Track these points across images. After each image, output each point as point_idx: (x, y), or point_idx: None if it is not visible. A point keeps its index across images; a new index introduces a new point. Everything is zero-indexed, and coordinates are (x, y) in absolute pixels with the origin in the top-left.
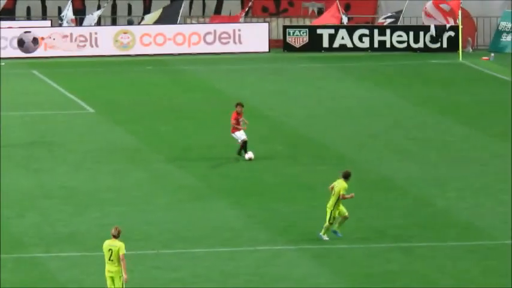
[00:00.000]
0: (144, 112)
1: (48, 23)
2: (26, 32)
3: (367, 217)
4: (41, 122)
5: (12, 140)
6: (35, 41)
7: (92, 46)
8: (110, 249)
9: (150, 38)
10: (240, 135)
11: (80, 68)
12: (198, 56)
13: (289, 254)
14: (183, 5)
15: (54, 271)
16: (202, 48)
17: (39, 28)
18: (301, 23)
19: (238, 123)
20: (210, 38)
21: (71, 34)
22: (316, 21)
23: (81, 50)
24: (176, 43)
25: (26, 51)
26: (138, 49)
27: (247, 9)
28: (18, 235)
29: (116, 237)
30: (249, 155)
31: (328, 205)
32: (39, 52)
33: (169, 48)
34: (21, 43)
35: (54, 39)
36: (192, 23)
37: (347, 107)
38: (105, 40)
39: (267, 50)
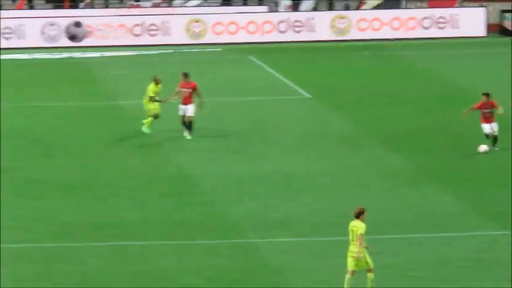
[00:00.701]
0: (360, 97)
1: (265, 8)
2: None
3: None
4: (257, 107)
5: (228, 125)
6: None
7: (308, 31)
8: (351, 230)
9: (367, 22)
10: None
11: (297, 54)
12: (415, 41)
13: (504, 240)
14: None
15: (267, 257)
16: (419, 33)
17: (255, 14)
18: None
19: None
20: (427, 23)
21: (288, 19)
22: None
23: (297, 35)
24: (393, 28)
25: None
26: (354, 34)
27: None
28: (233, 221)
29: (357, 217)
30: (483, 148)
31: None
32: (256, 38)
33: (386, 33)
34: None
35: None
36: (408, 8)
37: None
38: (321, 25)
39: (484, 34)
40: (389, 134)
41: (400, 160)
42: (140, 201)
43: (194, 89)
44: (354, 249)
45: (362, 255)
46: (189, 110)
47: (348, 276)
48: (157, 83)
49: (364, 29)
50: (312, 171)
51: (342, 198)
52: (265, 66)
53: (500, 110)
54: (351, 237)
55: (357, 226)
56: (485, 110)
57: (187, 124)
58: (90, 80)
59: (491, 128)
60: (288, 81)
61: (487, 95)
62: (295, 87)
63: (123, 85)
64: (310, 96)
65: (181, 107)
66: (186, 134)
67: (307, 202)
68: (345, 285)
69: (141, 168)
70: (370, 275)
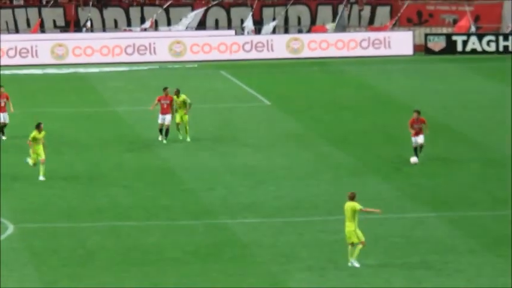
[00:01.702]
0: (310, 104)
1: (232, 32)
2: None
3: (494, 189)
4: (227, 113)
5: (203, 127)
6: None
7: (268, 51)
8: (347, 209)
9: (316, 44)
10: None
11: (259, 69)
12: (355, 59)
13: (430, 220)
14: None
15: (237, 234)
16: (358, 52)
17: (225, 37)
18: (439, 31)
19: (412, 127)
20: (365, 44)
21: (252, 40)
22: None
23: (259, 53)
24: (337, 48)
25: None
26: (306, 53)
27: (394, 21)
28: (208, 205)
29: (351, 199)
30: (413, 160)
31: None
32: (225, 56)
33: (331, 52)
34: None
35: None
36: (349, 32)
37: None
38: (279, 46)
39: (411, 53)
40: (334, 134)
41: (344, 155)
42: (132, 189)
43: (171, 101)
44: (350, 225)
45: (353, 229)
46: (167, 119)
47: (349, 248)
48: (40, 131)
49: (314, 49)
50: (273, 165)
51: (297, 187)
52: (233, 79)
53: (426, 131)
54: (346, 216)
55: (353, 205)
56: (416, 125)
57: (166, 131)
58: (91, 90)
59: (416, 142)
60: (252, 91)
61: (418, 112)
62: (258, 96)
63: (118, 95)
64: (270, 103)
65: (160, 116)
66: (162, 139)
67: (270, 190)
68: (348, 256)
69: (133, 162)
70: (359, 247)
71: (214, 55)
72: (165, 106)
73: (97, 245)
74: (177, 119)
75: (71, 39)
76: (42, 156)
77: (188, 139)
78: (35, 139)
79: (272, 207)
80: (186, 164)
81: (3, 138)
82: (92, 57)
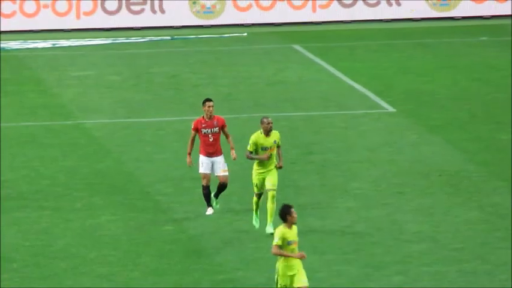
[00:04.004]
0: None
1: None
2: None
3: None
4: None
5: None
6: None
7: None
8: None
9: None
10: None
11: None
12: None
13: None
14: None
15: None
16: None
17: None
18: None
19: None
20: None
21: None
22: None
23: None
24: None
25: None
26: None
27: None
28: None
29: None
30: None
31: None
32: (306, 16)
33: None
34: None
35: None
36: None
37: None
38: None
39: None
40: None
41: None
42: None
43: (222, 128)
44: None
45: None
46: (218, 165)
47: None
48: None
49: None
50: None
51: None
52: (320, 61)
53: None
54: None
55: None
56: None
57: (219, 189)
58: (37, 84)
59: None
60: (361, 88)
61: None
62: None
63: (88, 94)
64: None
65: (204, 161)
66: (208, 207)
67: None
68: None
69: None
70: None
71: (283, 15)
72: (211, 139)
73: None
74: (256, 180)
75: None
76: None
77: (270, 229)
78: None
79: None
80: None
81: None
82: (36, 19)
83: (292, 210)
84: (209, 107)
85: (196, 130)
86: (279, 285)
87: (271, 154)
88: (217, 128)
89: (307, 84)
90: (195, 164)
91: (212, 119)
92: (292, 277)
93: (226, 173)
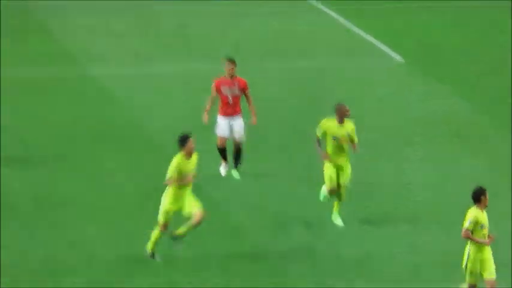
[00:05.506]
0: None
1: None
2: None
3: None
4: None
5: None
6: None
7: None
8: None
9: None
10: None
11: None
12: None
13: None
14: None
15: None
16: None
17: None
18: None
19: None
20: None
21: None
22: None
23: None
24: None
25: None
26: None
27: None
28: None
29: None
30: None
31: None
32: None
33: None
34: None
35: None
36: None
37: None
38: None
39: None
40: None
41: None
42: None
43: (244, 89)
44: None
45: None
46: (237, 127)
47: None
48: None
49: None
50: None
51: None
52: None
53: None
54: None
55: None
56: None
57: (236, 153)
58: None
59: None
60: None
61: None
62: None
63: (96, 45)
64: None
65: (221, 121)
66: (227, 171)
67: None
68: None
69: None
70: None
71: None
72: (230, 102)
73: None
74: (329, 172)
75: None
76: None
77: (339, 221)
78: None
79: None
80: None
81: None
82: None
83: (487, 192)
84: (231, 69)
85: (217, 90)
86: (468, 270)
87: None
88: (238, 89)
89: (316, 34)
90: (212, 123)
91: (233, 79)
92: (482, 263)
93: (243, 135)
